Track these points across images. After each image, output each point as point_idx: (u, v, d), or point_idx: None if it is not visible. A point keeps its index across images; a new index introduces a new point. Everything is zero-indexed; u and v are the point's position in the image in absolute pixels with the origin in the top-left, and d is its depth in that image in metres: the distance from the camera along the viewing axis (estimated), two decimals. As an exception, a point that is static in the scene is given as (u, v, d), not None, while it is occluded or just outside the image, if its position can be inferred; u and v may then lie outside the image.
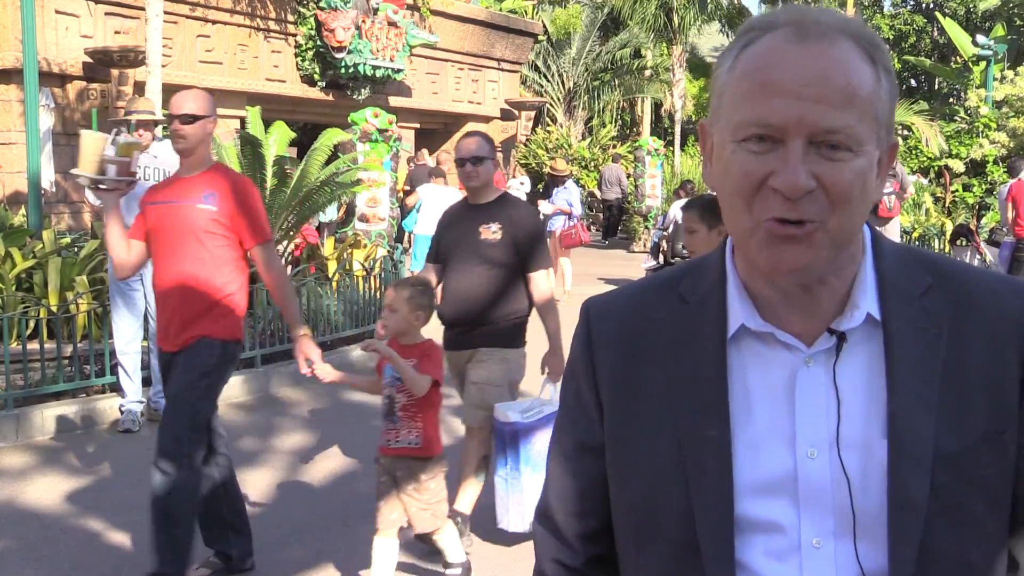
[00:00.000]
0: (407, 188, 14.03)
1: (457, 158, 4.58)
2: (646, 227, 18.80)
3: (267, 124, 9.70)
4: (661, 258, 12.65)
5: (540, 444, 4.25)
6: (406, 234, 13.98)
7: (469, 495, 4.56)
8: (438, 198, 11.66)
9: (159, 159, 6.45)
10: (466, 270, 4.50)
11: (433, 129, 21.18)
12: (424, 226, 11.67)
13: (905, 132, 23.67)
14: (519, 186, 15.33)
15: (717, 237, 3.69)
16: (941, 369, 1.09)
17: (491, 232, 4.47)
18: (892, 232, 11.25)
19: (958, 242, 13.13)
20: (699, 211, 3.91)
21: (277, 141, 9.50)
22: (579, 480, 1.23)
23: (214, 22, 15.02)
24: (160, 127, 6.91)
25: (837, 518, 1.07)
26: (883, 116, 1.07)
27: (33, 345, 6.85)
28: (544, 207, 12.55)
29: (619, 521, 1.20)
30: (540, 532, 1.29)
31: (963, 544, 1.07)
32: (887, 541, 1.05)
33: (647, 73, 26.98)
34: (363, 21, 16.67)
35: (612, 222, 21.04)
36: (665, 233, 12.42)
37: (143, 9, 10.21)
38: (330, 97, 17.10)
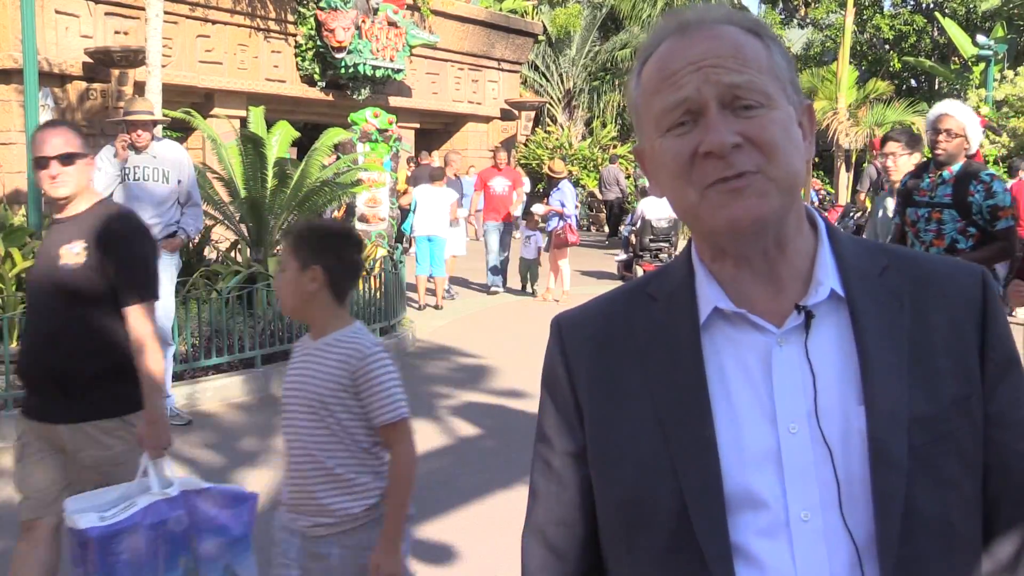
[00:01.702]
0: (408, 188, 14.06)
1: (37, 156, 3.38)
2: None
3: (268, 124, 9.70)
4: (631, 251, 13.55)
5: (131, 553, 2.97)
6: (405, 236, 13.98)
7: None
8: (433, 199, 11.67)
9: (158, 159, 6.45)
10: (42, 307, 3.38)
11: (433, 129, 21.18)
12: (420, 227, 11.69)
13: (905, 132, 23.62)
14: (519, 186, 15.35)
15: (310, 283, 2.74)
16: (907, 339, 1.14)
17: (73, 254, 3.31)
18: None
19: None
20: (295, 242, 2.81)
21: (280, 141, 9.50)
22: (568, 488, 1.24)
23: (214, 22, 15.02)
24: (159, 127, 6.90)
25: (822, 490, 1.09)
26: (784, 74, 1.14)
27: (33, 345, 6.84)
28: (537, 208, 12.57)
29: (607, 521, 1.21)
30: (531, 548, 1.29)
31: (945, 506, 1.10)
32: (872, 504, 1.08)
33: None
34: (363, 21, 16.67)
35: (612, 222, 21.08)
36: (634, 228, 13.32)
37: (143, 9, 10.21)
38: (330, 97, 17.10)
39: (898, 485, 1.08)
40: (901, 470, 1.08)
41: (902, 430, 1.09)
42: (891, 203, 5.58)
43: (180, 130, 15.08)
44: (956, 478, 1.11)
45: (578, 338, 1.25)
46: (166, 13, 10.74)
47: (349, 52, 16.43)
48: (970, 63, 25.61)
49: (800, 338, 1.13)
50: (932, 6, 32.50)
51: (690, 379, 1.14)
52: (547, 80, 25.38)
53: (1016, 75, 20.60)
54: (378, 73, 17.10)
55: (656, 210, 12.89)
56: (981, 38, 22.23)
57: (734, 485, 1.10)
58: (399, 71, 17.62)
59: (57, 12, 12.65)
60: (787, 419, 1.11)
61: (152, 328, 3.37)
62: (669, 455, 1.13)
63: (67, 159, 3.35)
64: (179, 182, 6.52)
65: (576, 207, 13.02)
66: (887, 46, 33.01)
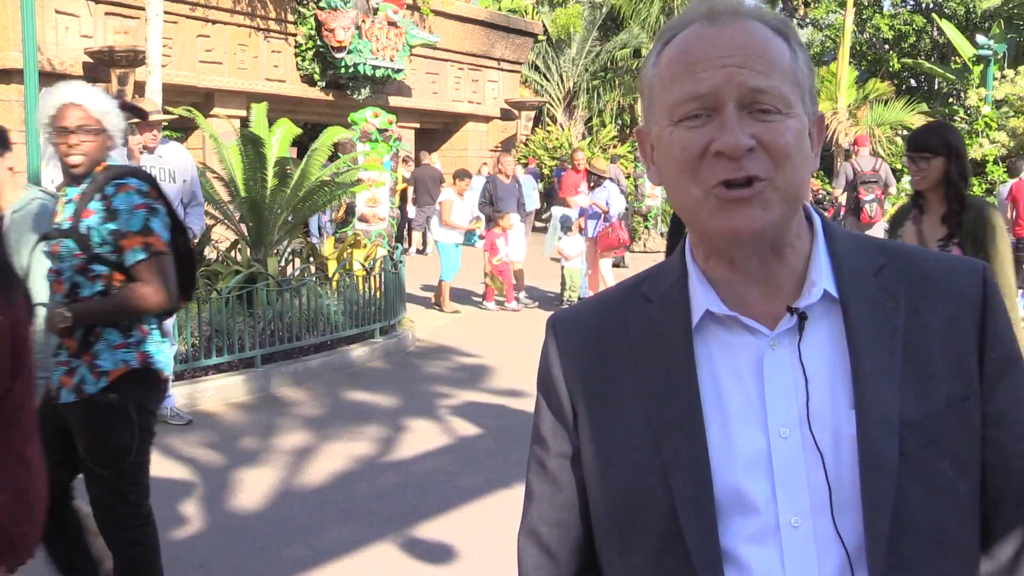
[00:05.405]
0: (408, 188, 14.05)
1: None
2: (646, 227, 18.83)
3: (269, 123, 9.70)
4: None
5: None
6: (405, 231, 13.97)
7: None
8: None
9: (164, 159, 6.46)
10: None
11: (433, 129, 21.18)
12: (440, 233, 11.84)
13: (905, 132, 23.64)
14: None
15: None
16: (901, 341, 1.11)
17: None
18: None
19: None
20: None
21: (281, 140, 9.49)
22: (563, 489, 1.24)
23: (214, 22, 15.02)
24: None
25: (812, 496, 1.08)
26: (805, 83, 1.12)
27: (33, 345, 6.84)
28: (580, 199, 12.22)
29: (600, 524, 1.20)
30: (525, 548, 1.28)
31: (936, 508, 1.08)
32: (862, 509, 1.06)
33: (647, 73, 26.96)
34: (363, 21, 16.68)
35: (612, 222, 21.09)
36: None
37: (143, 9, 10.22)
38: (330, 97, 17.10)
39: (888, 490, 1.06)
40: (891, 475, 1.06)
41: (893, 434, 1.07)
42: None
43: (180, 130, 15.08)
44: (950, 481, 1.09)
45: (572, 339, 1.23)
46: (166, 13, 10.74)
47: (349, 52, 16.43)
48: (969, 63, 25.61)
49: (793, 341, 1.11)
50: (931, 6, 32.49)
51: (682, 382, 1.13)
52: (547, 80, 25.37)
53: (1016, 75, 20.60)
54: (378, 73, 17.10)
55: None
56: (981, 38, 22.23)
57: (725, 490, 1.09)
58: (399, 71, 17.63)
59: (57, 12, 12.65)
60: (778, 423, 1.09)
61: None
62: (660, 459, 1.12)
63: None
64: (184, 182, 6.53)
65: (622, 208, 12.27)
66: (887, 46, 33.01)
